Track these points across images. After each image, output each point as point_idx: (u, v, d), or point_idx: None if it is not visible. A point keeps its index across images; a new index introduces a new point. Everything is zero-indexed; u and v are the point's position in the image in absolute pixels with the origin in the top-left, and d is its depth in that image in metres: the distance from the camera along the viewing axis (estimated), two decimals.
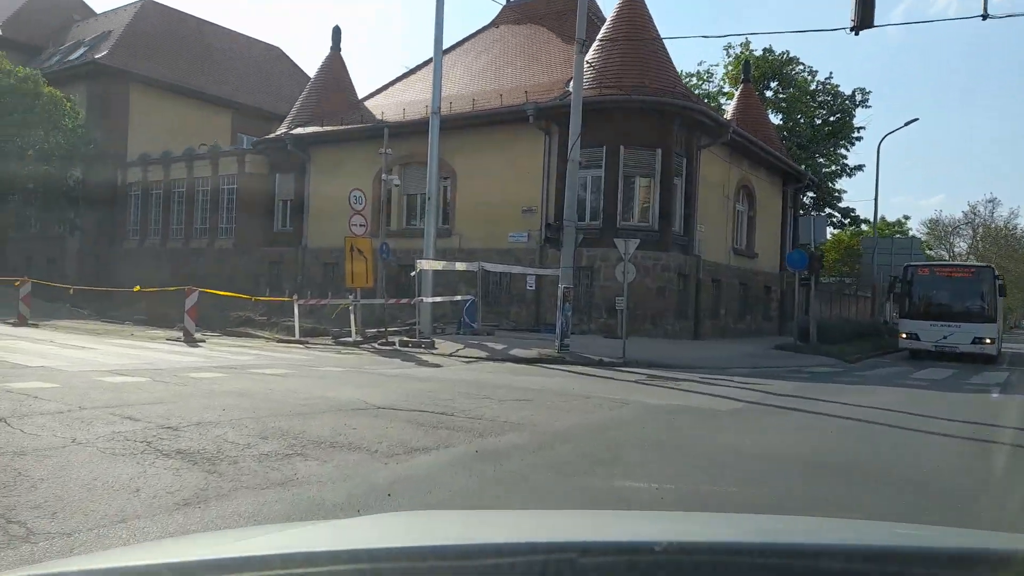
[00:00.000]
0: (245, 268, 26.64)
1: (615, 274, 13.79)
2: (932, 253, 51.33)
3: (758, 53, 33.56)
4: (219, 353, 12.21)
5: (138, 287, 16.12)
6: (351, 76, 27.53)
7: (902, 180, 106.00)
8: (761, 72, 32.72)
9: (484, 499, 4.15)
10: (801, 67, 34.52)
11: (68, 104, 26.03)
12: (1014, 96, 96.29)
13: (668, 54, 20.02)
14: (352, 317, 15.18)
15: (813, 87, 34.54)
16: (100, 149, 28.77)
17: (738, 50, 34.26)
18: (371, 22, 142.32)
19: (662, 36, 20.04)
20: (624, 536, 1.32)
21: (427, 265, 15.33)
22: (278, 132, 26.20)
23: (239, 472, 4.31)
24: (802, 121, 33.77)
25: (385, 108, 23.77)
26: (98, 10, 39.05)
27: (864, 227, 40.30)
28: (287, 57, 40.44)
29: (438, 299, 16.40)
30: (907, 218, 68.42)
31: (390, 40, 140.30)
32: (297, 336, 15.63)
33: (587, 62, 17.10)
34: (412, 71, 26.80)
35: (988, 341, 17.57)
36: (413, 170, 22.17)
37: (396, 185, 20.34)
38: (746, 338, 21.35)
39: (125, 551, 1.90)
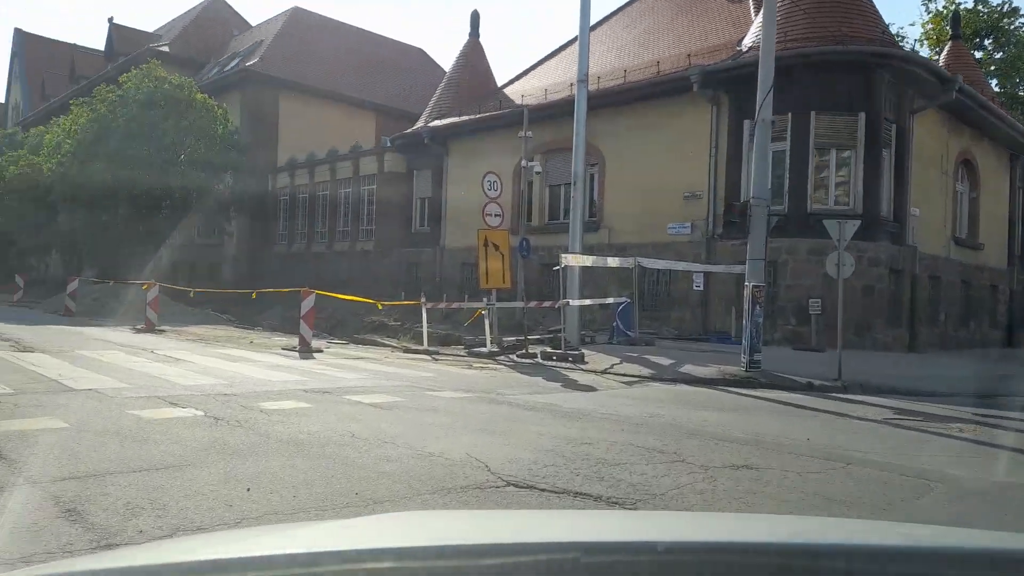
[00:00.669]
0: (385, 271, 24.95)
1: (826, 268, 10.14)
2: None
3: (967, 5, 27.82)
4: (328, 369, 9.85)
5: (255, 293, 14.29)
6: (490, 64, 25.15)
7: None
8: (972, 30, 26.94)
9: None
10: None
11: (219, 111, 25.42)
12: None
13: None
14: (487, 323, 12.49)
15: None
16: (252, 155, 28.20)
17: (941, 3, 28.67)
18: (511, 8, 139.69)
19: None
20: (627, 536, 1.25)
21: (574, 260, 12.36)
22: (416, 127, 24.25)
23: None
24: None
25: (526, 93, 21.09)
26: (253, 23, 39.45)
27: None
28: (429, 58, 39.04)
29: (587, 302, 13.41)
30: None
31: (530, 25, 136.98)
32: (425, 345, 13.14)
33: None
34: (553, 53, 23.98)
35: None
36: (556, 159, 19.31)
37: (538, 173, 17.57)
38: (970, 350, 16.70)
39: (128, 551, 1.68)
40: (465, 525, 1.49)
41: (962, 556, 1.09)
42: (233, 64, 32.63)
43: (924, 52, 28.59)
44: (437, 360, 11.77)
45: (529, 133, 16.88)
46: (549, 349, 11.90)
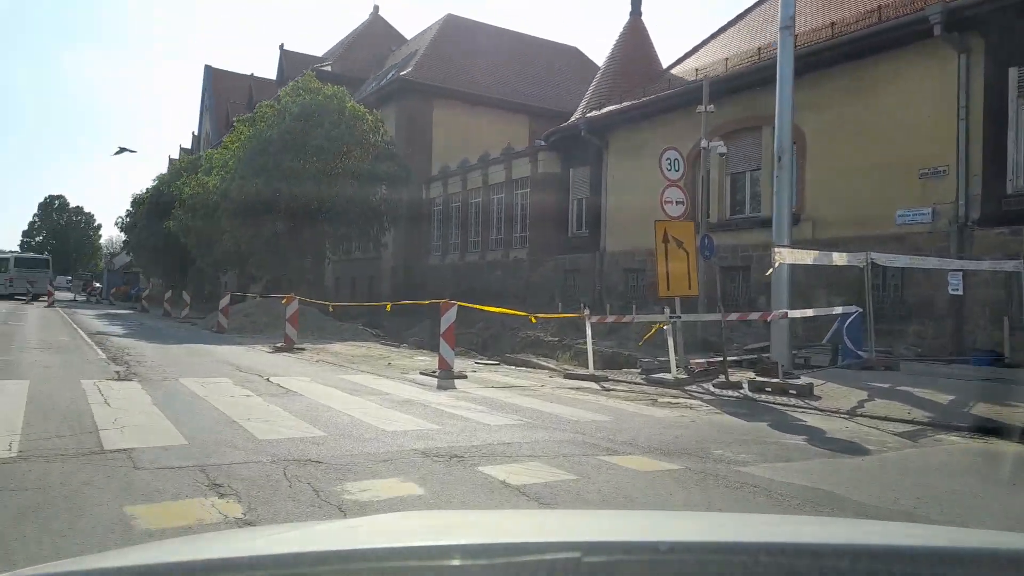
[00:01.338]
0: (540, 280, 22.47)
1: None
2: None
3: None
4: (467, 406, 7.28)
5: (389, 305, 12.10)
6: (653, 44, 22.00)
7: None
8: None
9: None
10: None
11: (371, 118, 24.22)
12: None
13: None
14: (670, 342, 9.43)
15: None
16: (406, 165, 26.89)
17: None
18: None
19: None
20: (628, 536, 1.23)
21: (791, 256, 9.02)
22: (572, 119, 21.60)
23: None
24: None
25: (700, 69, 17.75)
26: (409, 35, 38.85)
27: None
28: (583, 56, 36.41)
29: (809, 312, 9.95)
30: None
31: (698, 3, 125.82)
32: (591, 368, 10.28)
33: None
34: (730, 24, 20.41)
35: None
36: (741, 141, 15.84)
37: (722, 153, 14.25)
38: None
39: (132, 551, 1.54)
40: (466, 525, 1.46)
41: (962, 556, 1.07)
42: (389, 76, 31.80)
43: None
44: (608, 391, 8.87)
45: (711, 107, 13.63)
46: (759, 378, 8.63)
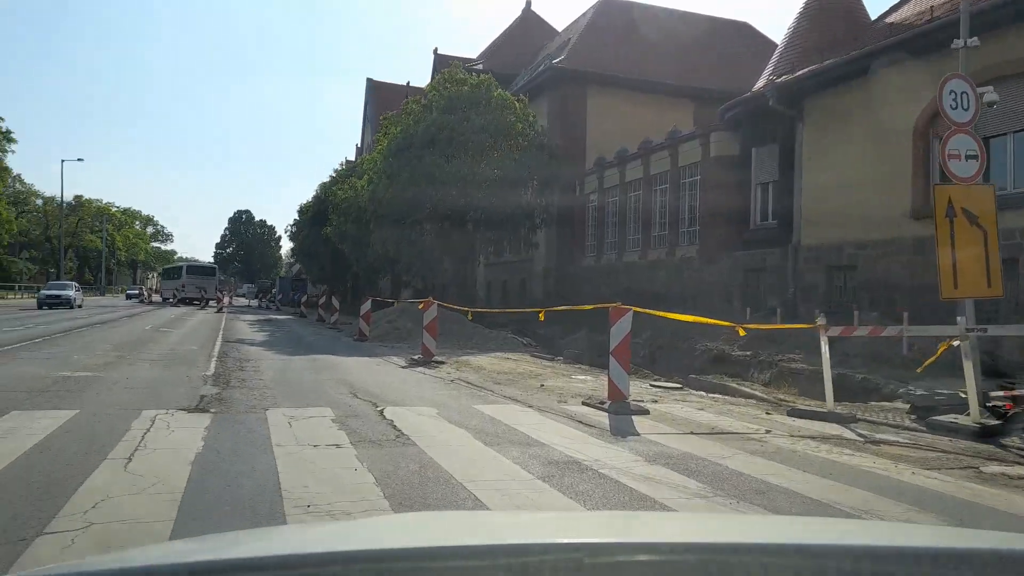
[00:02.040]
0: (713, 281, 18.97)
1: None
2: None
3: None
4: (668, 477, 4.39)
5: (543, 312, 9.38)
6: None
7: None
8: None
9: None
10: None
11: (519, 106, 21.95)
12: None
13: None
14: (967, 369, 5.97)
15: None
16: (559, 159, 24.36)
17: None
18: None
19: None
20: (630, 537, 1.22)
21: None
22: (756, 87, 17.98)
23: None
24: None
25: (928, 15, 13.63)
26: (561, 28, 36.45)
27: None
28: (755, 31, 32.15)
29: None
30: None
31: None
32: (830, 404, 6.97)
33: None
34: None
35: None
36: (1008, 87, 11.65)
37: (991, 103, 10.26)
38: None
39: (129, 553, 1.48)
40: (469, 526, 1.47)
41: (962, 556, 1.05)
42: (540, 68, 29.50)
43: None
44: (875, 444, 5.57)
45: (973, 41, 9.75)
46: None
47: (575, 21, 32.64)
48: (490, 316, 19.05)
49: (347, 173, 35.96)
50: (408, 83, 52.27)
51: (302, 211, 41.04)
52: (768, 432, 6.02)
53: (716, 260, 19.10)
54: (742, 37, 31.14)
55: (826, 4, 17.46)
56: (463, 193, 20.71)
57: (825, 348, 6.90)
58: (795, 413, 7.03)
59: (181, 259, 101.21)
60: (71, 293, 30.35)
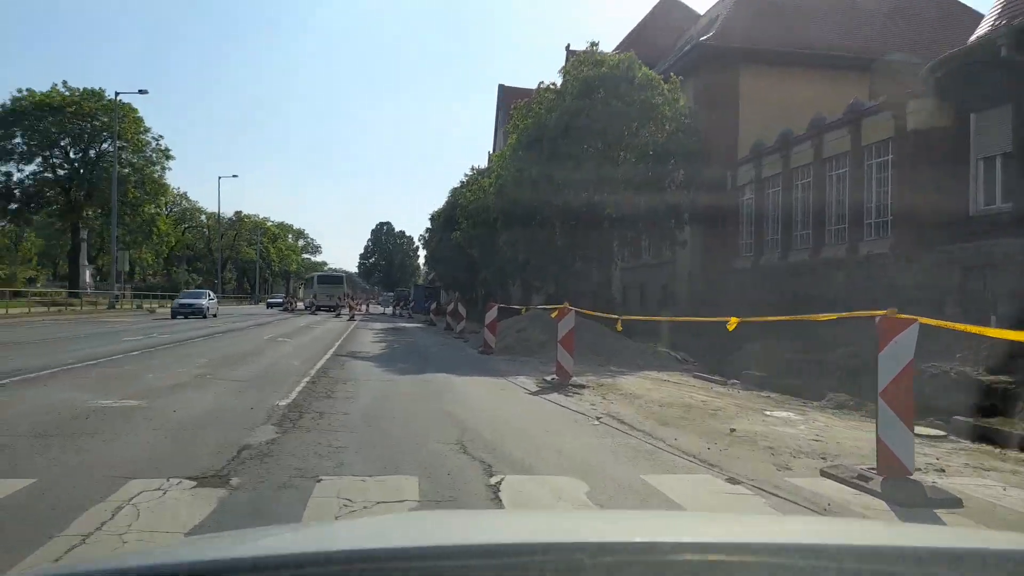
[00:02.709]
0: (913, 282, 14.96)
1: None
2: None
3: None
4: None
5: (734, 321, 6.43)
6: None
7: None
8: None
9: None
10: None
11: (666, 87, 18.95)
12: None
13: None
14: None
15: None
16: (706, 147, 20.99)
17: None
18: None
19: None
20: (631, 537, 1.16)
21: None
22: (979, 34, 13.94)
23: None
24: None
25: None
26: (703, 12, 32.83)
27: None
28: None
29: None
30: None
31: None
32: None
33: None
34: None
35: None
36: None
37: None
38: None
39: (136, 552, 1.61)
40: (471, 526, 1.44)
41: (962, 556, 1.05)
42: (686, 48, 26.19)
43: None
44: None
45: None
46: None
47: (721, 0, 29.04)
48: (627, 324, 16.15)
49: (477, 177, 34.34)
50: (540, 84, 50.33)
51: (434, 218, 40.05)
52: None
53: (917, 257, 15.08)
54: None
55: None
56: (600, 186, 18.00)
57: None
58: None
59: (331, 270, 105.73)
60: (204, 302, 29.24)
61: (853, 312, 5.04)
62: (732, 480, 4.30)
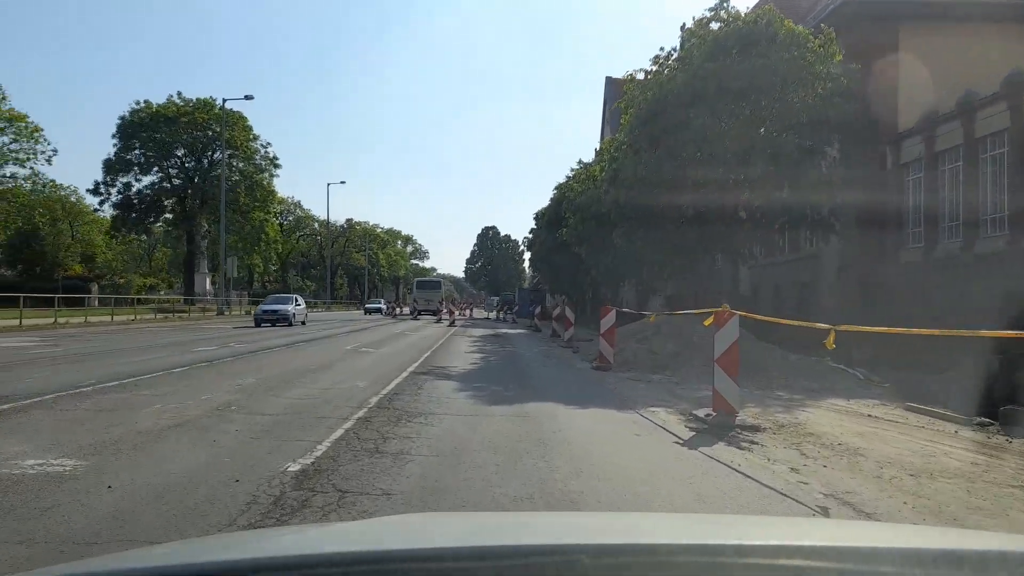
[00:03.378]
0: None
1: None
2: None
3: None
4: None
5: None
6: None
7: None
8: None
9: None
10: None
11: (816, 42, 15.36)
12: None
13: None
14: None
15: None
16: (857, 120, 17.08)
17: None
18: None
19: None
20: (630, 538, 1.17)
21: None
22: None
23: None
24: None
25: None
26: None
27: None
28: None
29: None
30: None
31: None
32: None
33: None
34: None
35: None
36: None
37: None
38: None
39: (136, 553, 1.57)
40: (470, 527, 1.41)
41: (962, 556, 1.02)
42: (831, 7, 22.17)
43: None
44: None
45: None
46: None
47: None
48: (764, 330, 12.77)
49: (585, 168, 31.50)
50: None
51: (538, 217, 37.55)
52: None
53: None
54: None
55: None
56: (737, 164, 14.71)
57: None
58: None
59: (439, 275, 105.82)
60: (289, 308, 25.79)
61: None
62: None
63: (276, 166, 42.60)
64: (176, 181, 40.58)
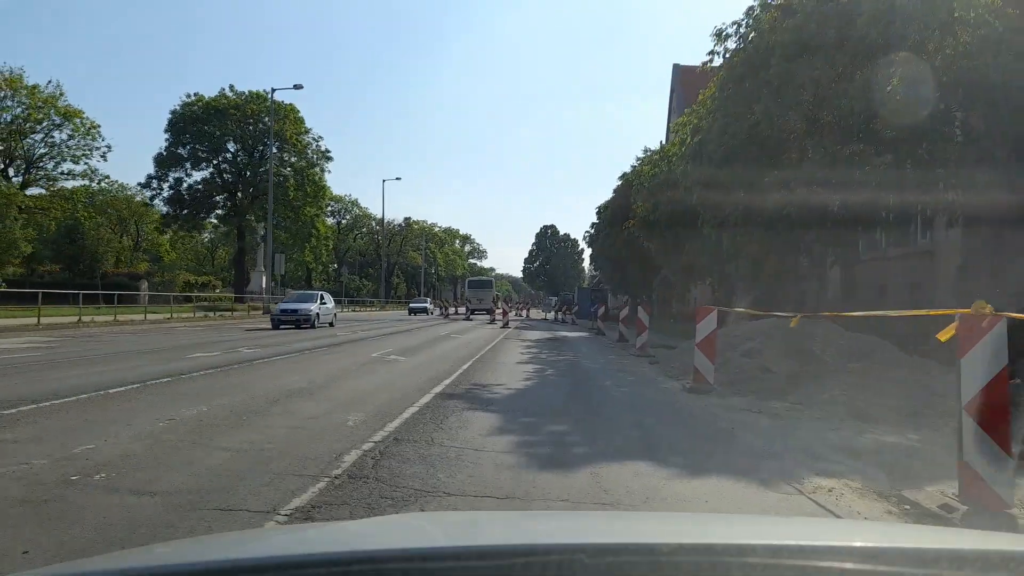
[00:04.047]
0: None
1: None
2: None
3: None
4: None
5: None
6: None
7: None
8: None
9: None
10: None
11: None
12: None
13: None
14: None
15: None
16: (1014, 80, 13.33)
17: None
18: None
19: None
20: (629, 537, 1.18)
21: None
22: None
23: None
24: None
25: None
26: None
27: None
28: None
29: None
30: None
31: None
32: None
33: None
34: None
35: None
36: None
37: None
38: None
39: (136, 552, 1.53)
40: (472, 528, 1.40)
41: (962, 556, 1.01)
42: None
43: None
44: None
45: None
46: None
47: None
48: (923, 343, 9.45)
49: (660, 150, 28.27)
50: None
51: (601, 210, 34.49)
52: None
53: None
54: None
55: None
56: (860, 130, 11.41)
57: None
58: None
59: (496, 275, 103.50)
60: (312, 308, 21.87)
61: None
62: None
63: (328, 159, 40.87)
64: (227, 176, 39.27)
